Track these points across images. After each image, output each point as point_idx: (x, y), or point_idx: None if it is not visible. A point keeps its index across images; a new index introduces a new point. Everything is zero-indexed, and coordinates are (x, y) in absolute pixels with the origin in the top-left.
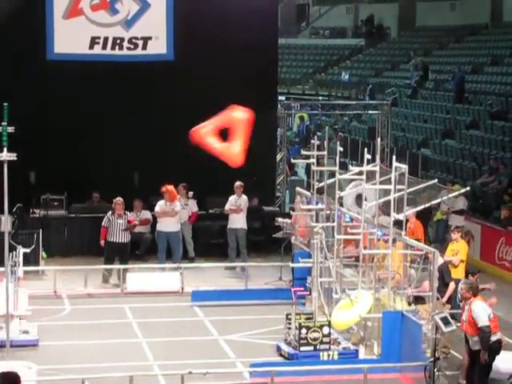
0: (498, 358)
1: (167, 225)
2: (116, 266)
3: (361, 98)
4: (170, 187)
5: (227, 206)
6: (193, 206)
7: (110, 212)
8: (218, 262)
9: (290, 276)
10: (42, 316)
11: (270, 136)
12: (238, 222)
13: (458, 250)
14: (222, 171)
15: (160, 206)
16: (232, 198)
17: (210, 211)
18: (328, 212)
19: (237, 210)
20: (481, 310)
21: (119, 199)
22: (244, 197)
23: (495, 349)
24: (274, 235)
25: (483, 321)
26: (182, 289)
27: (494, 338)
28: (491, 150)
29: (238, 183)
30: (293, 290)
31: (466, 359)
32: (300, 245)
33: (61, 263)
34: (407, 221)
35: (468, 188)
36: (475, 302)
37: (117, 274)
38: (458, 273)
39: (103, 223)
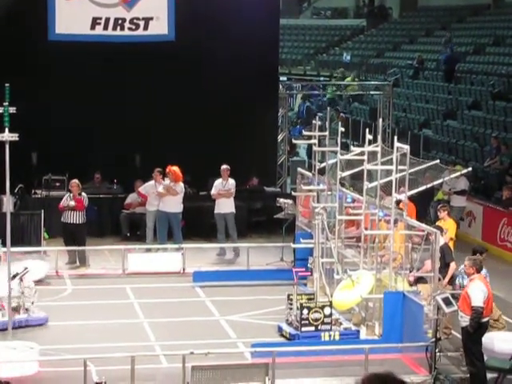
0: (496, 337)
1: (169, 205)
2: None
3: (362, 78)
4: (174, 168)
5: (214, 191)
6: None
7: (68, 193)
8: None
9: (291, 257)
10: (44, 296)
11: (271, 116)
12: (226, 206)
13: (446, 229)
14: (224, 153)
15: (164, 185)
16: (218, 183)
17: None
18: (329, 193)
19: (226, 194)
20: (477, 290)
21: (74, 181)
22: (231, 181)
23: (484, 327)
24: (275, 216)
25: (478, 301)
26: (184, 269)
27: (484, 320)
28: (493, 131)
29: (224, 166)
30: (294, 270)
31: None
32: (302, 225)
33: (62, 244)
34: (399, 202)
35: (470, 169)
36: (475, 280)
37: (77, 256)
38: None
39: (61, 203)
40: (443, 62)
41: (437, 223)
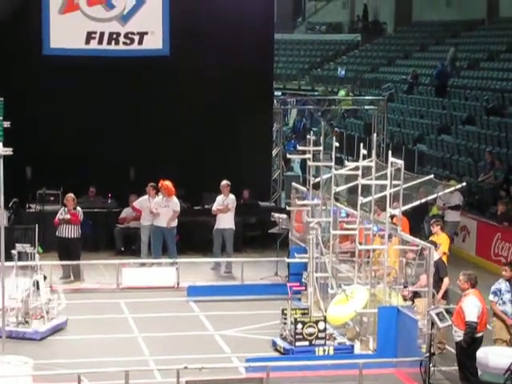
0: (490, 352)
1: (163, 220)
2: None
3: (357, 93)
4: (167, 182)
5: (214, 207)
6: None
7: (63, 207)
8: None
9: (285, 271)
10: None
11: (265, 131)
12: (225, 222)
13: (439, 243)
14: (218, 167)
15: (157, 201)
16: (219, 198)
17: (207, 207)
18: (324, 207)
19: (224, 210)
20: (472, 305)
21: (70, 195)
22: (231, 196)
23: (478, 342)
24: (269, 230)
25: (472, 316)
26: (178, 284)
27: (478, 335)
28: (487, 146)
29: (224, 182)
30: (288, 285)
31: None
32: (296, 240)
33: (57, 258)
34: (392, 217)
35: (464, 184)
36: (469, 295)
37: (71, 270)
38: None
39: (56, 217)
40: (435, 77)
41: (430, 238)
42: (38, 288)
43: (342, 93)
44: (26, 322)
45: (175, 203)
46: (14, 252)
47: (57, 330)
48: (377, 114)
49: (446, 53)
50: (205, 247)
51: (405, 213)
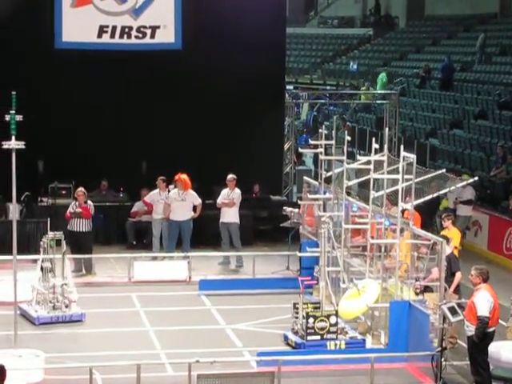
0: (503, 347)
1: (179, 214)
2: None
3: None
4: (183, 176)
5: (219, 200)
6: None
7: (74, 201)
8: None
9: (297, 265)
10: None
11: (277, 125)
12: (230, 216)
13: (451, 238)
14: (229, 161)
15: (172, 195)
16: (224, 192)
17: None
18: (335, 201)
19: (229, 204)
20: (483, 300)
21: (80, 189)
22: (237, 190)
23: (490, 337)
24: (281, 224)
25: (483, 311)
26: (190, 278)
27: (490, 330)
28: (499, 140)
29: (230, 176)
30: (300, 279)
31: None
32: (308, 234)
33: (68, 252)
34: (404, 211)
35: (476, 178)
36: (481, 290)
37: (83, 264)
38: None
39: (68, 211)
40: (440, 71)
41: (441, 232)
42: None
43: (382, 76)
44: (66, 306)
45: (194, 197)
46: (43, 242)
47: (66, 320)
48: (389, 108)
49: (461, 47)
50: (216, 241)
51: (417, 208)
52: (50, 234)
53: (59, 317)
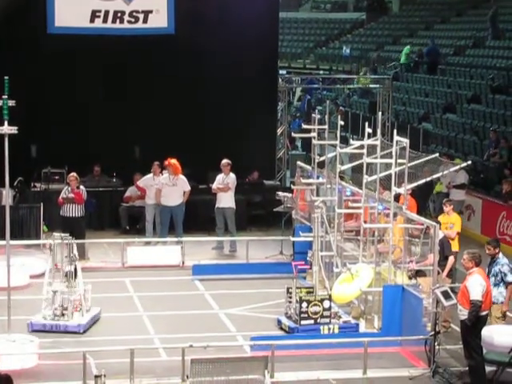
0: (495, 330)
1: (171, 199)
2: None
3: (361, 72)
4: (173, 161)
5: (214, 185)
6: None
7: (66, 187)
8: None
9: (290, 250)
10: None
11: (270, 110)
12: (225, 201)
13: (452, 223)
14: (223, 146)
15: (163, 180)
16: (219, 177)
17: (211, 185)
18: (329, 186)
19: (224, 189)
20: (476, 283)
21: (73, 174)
22: (232, 175)
23: (483, 321)
24: (274, 209)
25: (476, 294)
26: (183, 262)
27: (482, 313)
28: (492, 125)
29: (224, 161)
30: (293, 263)
31: None
32: (301, 219)
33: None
34: (398, 196)
35: (469, 162)
36: (474, 274)
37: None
38: (454, 245)
39: (60, 196)
40: (425, 55)
41: (439, 217)
42: (74, 277)
43: (407, 49)
44: (63, 315)
45: (184, 182)
46: (55, 237)
47: (95, 320)
48: (382, 93)
49: (454, 31)
50: (210, 226)
51: (412, 194)
52: (57, 235)
53: (53, 326)
